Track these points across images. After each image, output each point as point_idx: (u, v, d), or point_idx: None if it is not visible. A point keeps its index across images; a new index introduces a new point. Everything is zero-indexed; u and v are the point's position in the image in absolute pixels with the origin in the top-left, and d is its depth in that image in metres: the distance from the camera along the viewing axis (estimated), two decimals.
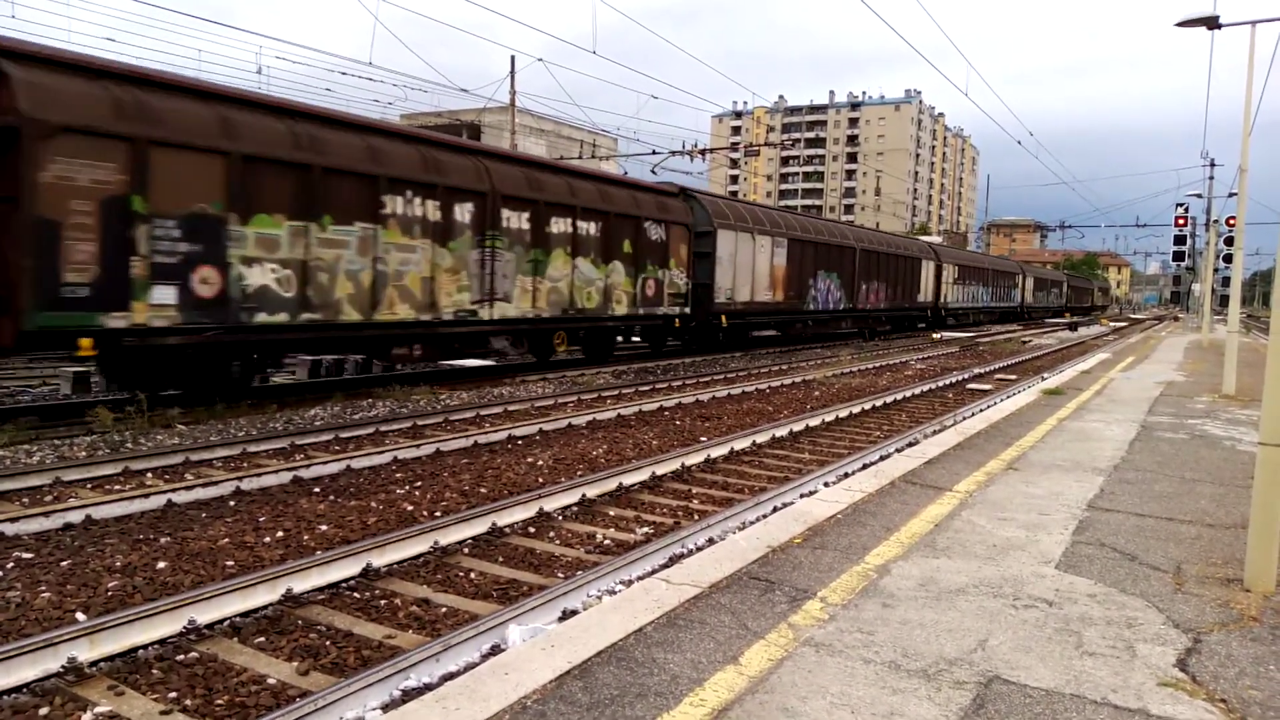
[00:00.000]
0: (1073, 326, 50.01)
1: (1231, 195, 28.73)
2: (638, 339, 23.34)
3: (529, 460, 9.29)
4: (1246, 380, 14.66)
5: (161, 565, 5.70)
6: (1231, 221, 22.81)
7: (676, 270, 20.69)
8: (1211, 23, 14.08)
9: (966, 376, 19.22)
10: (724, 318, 22.53)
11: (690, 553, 5.91)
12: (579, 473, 8.74)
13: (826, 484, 7.99)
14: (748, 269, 23.48)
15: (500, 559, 6.10)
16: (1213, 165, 37.08)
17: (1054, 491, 6.58)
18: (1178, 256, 28.98)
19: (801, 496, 7.25)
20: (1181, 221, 27.59)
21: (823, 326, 29.58)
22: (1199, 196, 38.50)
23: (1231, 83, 15.89)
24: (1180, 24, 14.35)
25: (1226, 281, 26.36)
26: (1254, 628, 3.96)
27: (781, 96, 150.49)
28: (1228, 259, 23.49)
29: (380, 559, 5.69)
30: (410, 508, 7.29)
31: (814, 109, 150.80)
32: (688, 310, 21.15)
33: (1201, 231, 38.42)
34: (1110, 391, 13.93)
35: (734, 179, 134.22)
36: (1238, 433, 9.88)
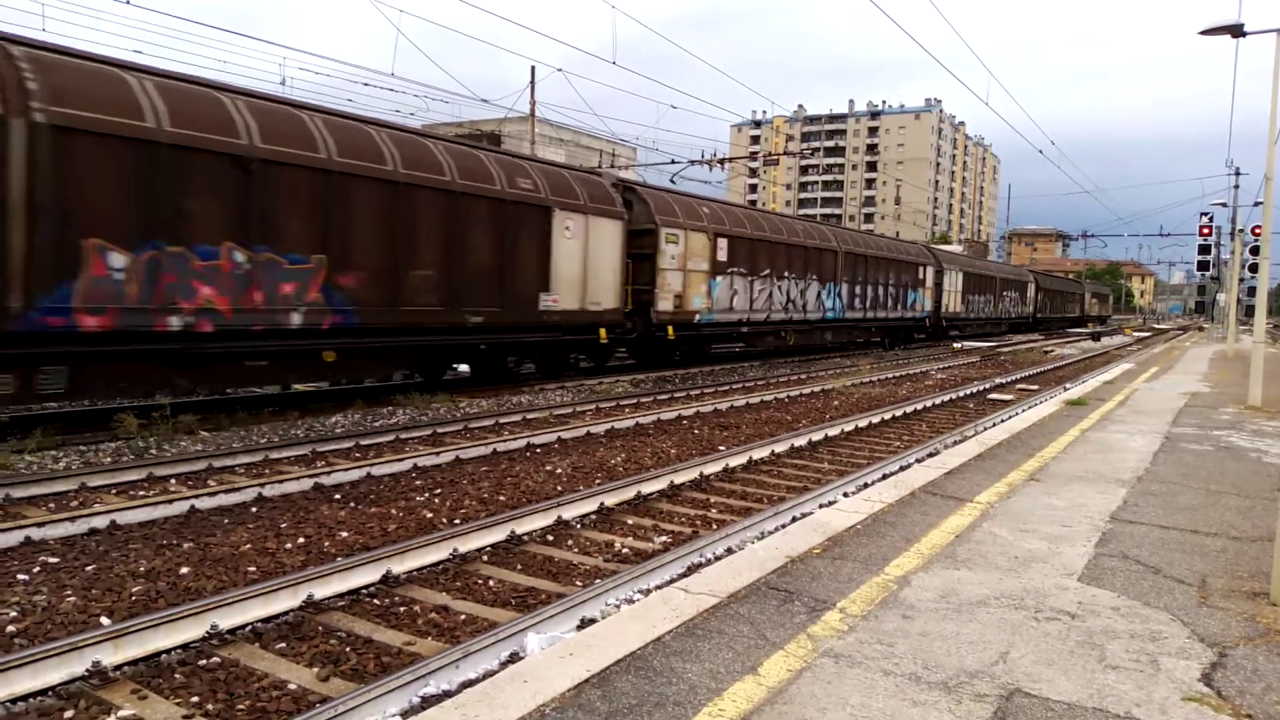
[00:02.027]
0: (1095, 336, 49.50)
1: (1257, 204, 28.44)
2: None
3: (547, 468, 9.31)
4: (1273, 391, 14.47)
5: (185, 570, 5.76)
6: (1257, 231, 22.57)
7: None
8: (1236, 31, 13.97)
9: (987, 386, 19.08)
10: (670, 329, 19.52)
11: (709, 562, 5.90)
12: (597, 481, 8.75)
13: (846, 494, 7.96)
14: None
15: (519, 567, 6.11)
16: (1238, 174, 36.74)
17: (1076, 503, 6.52)
18: (1202, 266, 28.71)
19: (821, 506, 7.22)
20: (1206, 231, 27.34)
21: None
22: (1224, 205, 38.17)
23: (1257, 91, 15.75)
24: (1204, 32, 14.25)
25: (1252, 291, 26.04)
26: None
27: (801, 105, 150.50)
28: (1253, 268, 23.23)
29: (400, 566, 5.72)
30: (430, 515, 7.32)
31: (833, 118, 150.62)
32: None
33: (1226, 241, 38.00)
34: (1134, 402, 13.79)
35: (753, 188, 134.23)
36: (1264, 444, 9.75)
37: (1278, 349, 34.65)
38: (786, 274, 24.62)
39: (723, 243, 21.35)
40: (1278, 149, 14.51)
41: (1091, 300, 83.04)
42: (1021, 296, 53.15)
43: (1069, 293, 71.63)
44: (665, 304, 19.35)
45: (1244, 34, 14.01)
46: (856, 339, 31.09)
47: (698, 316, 20.56)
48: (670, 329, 19.50)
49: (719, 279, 21.29)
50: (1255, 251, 22.44)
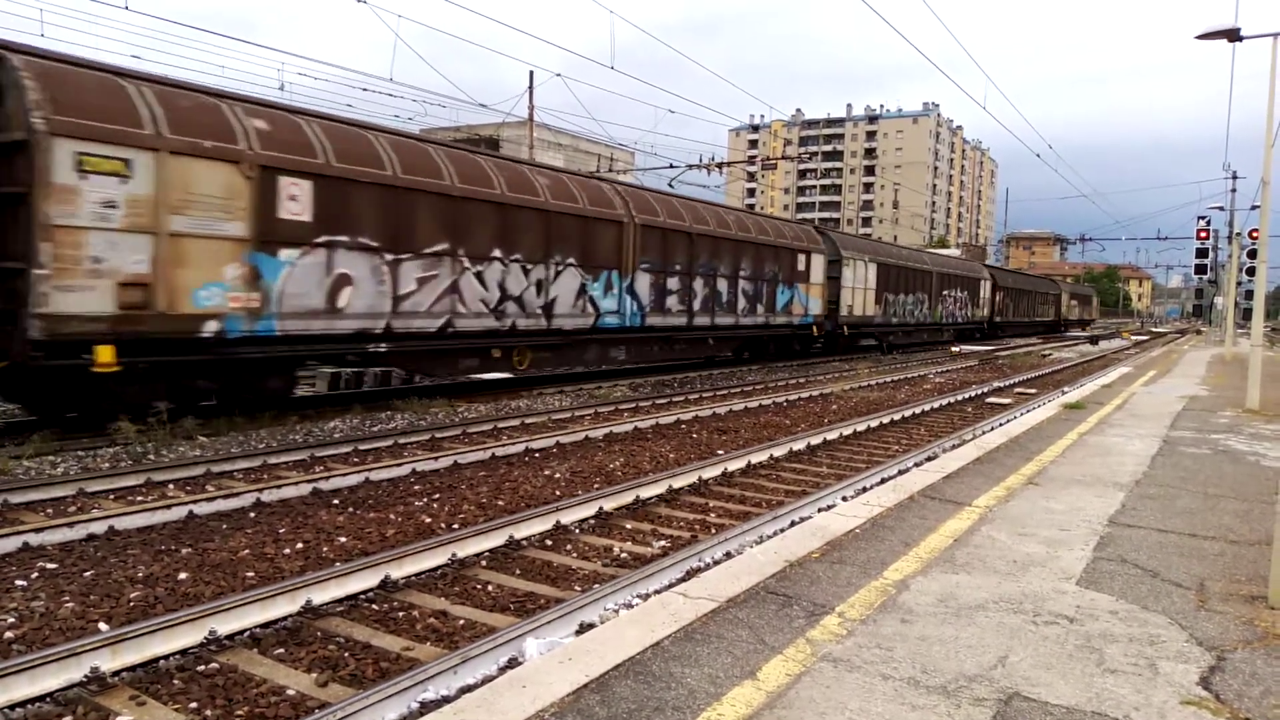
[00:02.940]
0: (1093, 340, 49.44)
1: (1254, 208, 28.51)
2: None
3: (546, 473, 9.31)
4: (1271, 395, 14.49)
5: (183, 576, 5.76)
6: (1255, 234, 22.62)
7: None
8: (1233, 35, 14.00)
9: (985, 390, 19.09)
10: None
11: (707, 567, 5.90)
12: (596, 485, 8.75)
13: (845, 498, 7.96)
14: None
15: (518, 571, 6.11)
16: (1235, 178, 36.84)
17: (1075, 507, 6.53)
18: (1200, 269, 28.77)
19: (819, 511, 7.22)
20: (1204, 234, 27.39)
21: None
22: (1221, 209, 38.27)
23: (1254, 95, 15.80)
24: (1201, 36, 14.29)
25: (1250, 294, 26.09)
26: (1279, 646, 3.91)
27: (799, 110, 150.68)
28: (1251, 272, 23.25)
29: (399, 571, 5.72)
30: (428, 520, 7.32)
31: (831, 122, 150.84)
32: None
33: (1224, 244, 38.09)
34: (1132, 406, 13.80)
35: (751, 192, 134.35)
36: (1262, 448, 9.76)
37: (1275, 352, 34.70)
38: (502, 256, 14.61)
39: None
40: (1274, 153, 14.55)
41: (1070, 302, 71.69)
42: (972, 297, 42.34)
43: (1040, 293, 60.06)
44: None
45: (1241, 38, 14.06)
46: (687, 355, 21.28)
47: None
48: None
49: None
50: (1253, 255, 22.47)
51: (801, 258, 24.95)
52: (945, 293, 38.08)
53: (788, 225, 26.35)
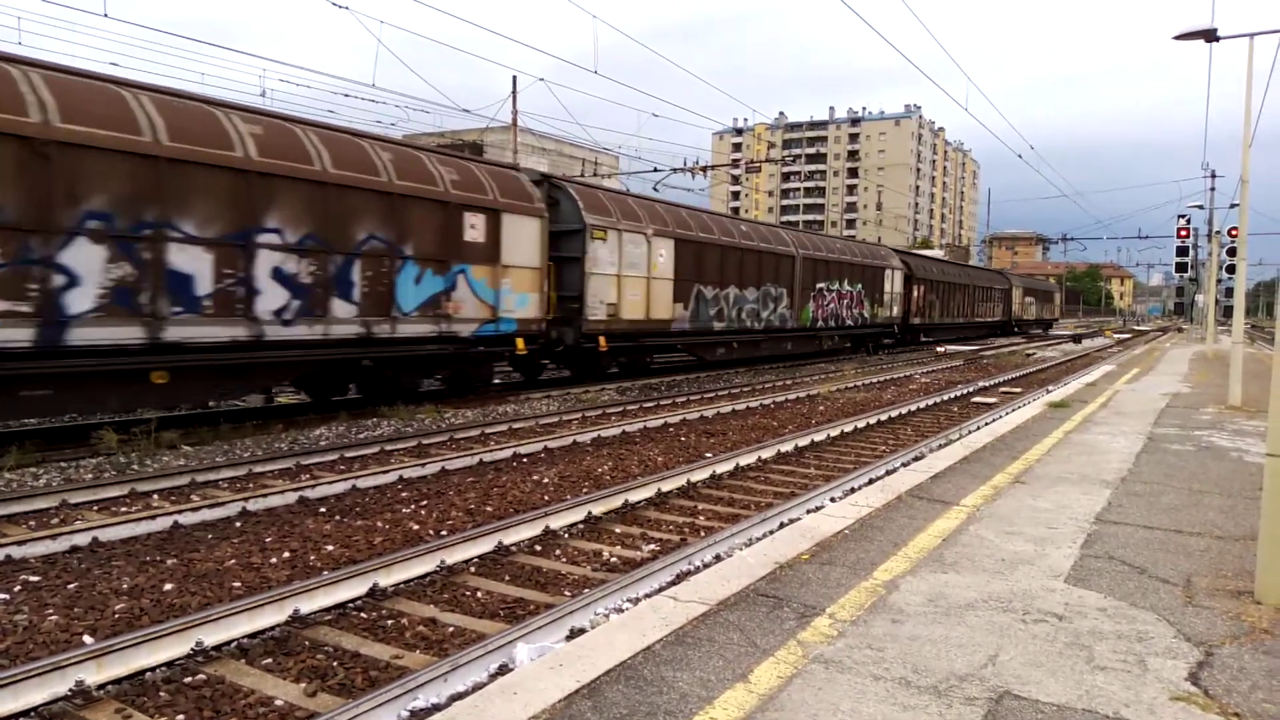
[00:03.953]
0: (1076, 339, 49.72)
1: (1233, 206, 28.81)
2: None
3: (534, 478, 9.29)
4: (1252, 391, 14.62)
5: (168, 587, 5.70)
6: (1234, 232, 22.84)
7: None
8: (1210, 35, 14.14)
9: (971, 390, 19.19)
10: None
11: (697, 570, 5.89)
12: (585, 490, 8.73)
13: (833, 499, 7.97)
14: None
15: (507, 578, 6.08)
16: (1214, 177, 37.20)
17: (1061, 505, 6.56)
18: (1180, 268, 29.00)
19: (808, 512, 7.23)
20: (1184, 233, 27.63)
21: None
22: (1201, 208, 38.59)
23: (1231, 94, 15.95)
24: (1178, 37, 14.42)
25: (1230, 292, 26.36)
26: (1266, 640, 3.94)
27: (782, 113, 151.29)
28: (1230, 269, 23.50)
29: (387, 579, 5.68)
30: (416, 527, 7.28)
31: (814, 125, 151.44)
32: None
33: (1204, 243, 38.45)
34: (1116, 404, 13.90)
35: (735, 195, 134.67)
36: (1244, 444, 9.85)
37: (1256, 349, 35.05)
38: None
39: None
40: (1252, 152, 14.70)
41: (1025, 299, 59.16)
42: (872, 293, 30.89)
43: (982, 287, 47.45)
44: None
45: (1217, 39, 14.20)
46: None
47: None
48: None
49: None
50: (1232, 253, 22.71)
51: (486, 218, 15.74)
52: (822, 286, 27.19)
53: (504, 170, 17.83)
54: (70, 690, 4.08)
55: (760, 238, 24.57)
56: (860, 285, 30.04)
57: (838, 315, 28.53)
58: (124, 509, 7.66)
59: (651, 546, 6.84)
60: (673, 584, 5.42)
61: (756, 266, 23.62)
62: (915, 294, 35.89)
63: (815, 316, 27.02)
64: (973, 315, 45.43)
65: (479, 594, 5.72)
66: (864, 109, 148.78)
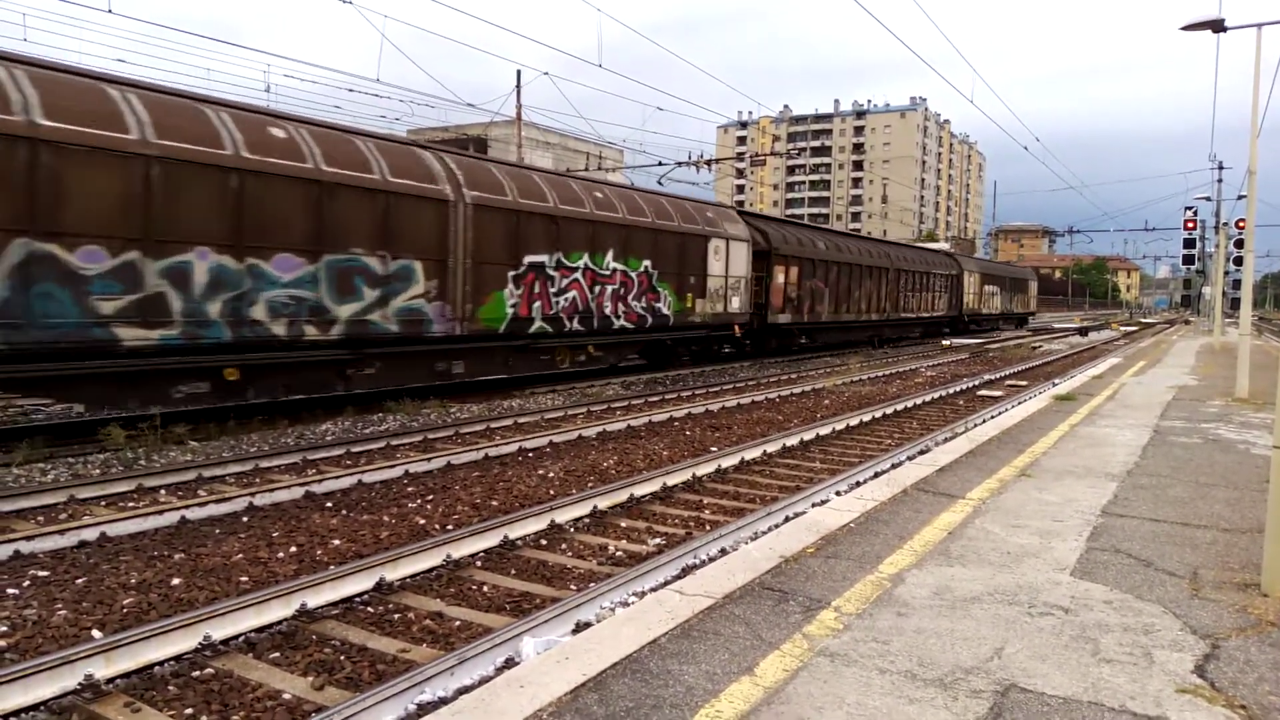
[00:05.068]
0: (1083, 331, 49.54)
1: (1241, 198, 28.66)
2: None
3: (540, 472, 9.30)
4: (1259, 383, 14.57)
5: (176, 582, 5.73)
6: (1241, 224, 22.73)
7: None
8: (1217, 26, 14.06)
9: (977, 383, 19.15)
10: None
11: (703, 563, 5.91)
12: (590, 484, 8.74)
13: (838, 492, 7.97)
14: None
15: (513, 571, 6.10)
16: (1221, 168, 37.04)
17: (1068, 498, 6.55)
18: (1187, 260, 28.91)
19: (814, 505, 7.23)
20: (1191, 225, 27.52)
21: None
22: (1208, 200, 38.42)
23: (1239, 86, 15.88)
24: (1185, 27, 14.35)
25: (1237, 284, 26.25)
26: (1272, 633, 3.93)
27: (786, 106, 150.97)
28: (1238, 261, 23.39)
29: (393, 573, 5.70)
30: (422, 521, 7.30)
31: (819, 118, 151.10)
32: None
33: (1211, 234, 38.27)
34: (1122, 396, 13.87)
35: (740, 189, 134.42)
36: (1251, 436, 9.81)
37: (1263, 341, 34.92)
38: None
39: None
40: (1260, 143, 14.62)
41: (985, 288, 45.75)
42: (689, 277, 19.97)
43: (916, 274, 35.39)
44: None
45: (1225, 29, 14.11)
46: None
47: None
48: None
49: None
50: (1240, 244, 22.60)
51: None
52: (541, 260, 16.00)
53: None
54: (79, 684, 4.11)
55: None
56: (648, 263, 18.59)
57: (616, 312, 17.61)
58: (131, 504, 7.69)
59: (657, 540, 6.85)
60: (678, 578, 5.43)
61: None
62: (779, 280, 24.62)
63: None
64: (897, 309, 33.21)
65: (485, 588, 5.74)
66: (869, 102, 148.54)
